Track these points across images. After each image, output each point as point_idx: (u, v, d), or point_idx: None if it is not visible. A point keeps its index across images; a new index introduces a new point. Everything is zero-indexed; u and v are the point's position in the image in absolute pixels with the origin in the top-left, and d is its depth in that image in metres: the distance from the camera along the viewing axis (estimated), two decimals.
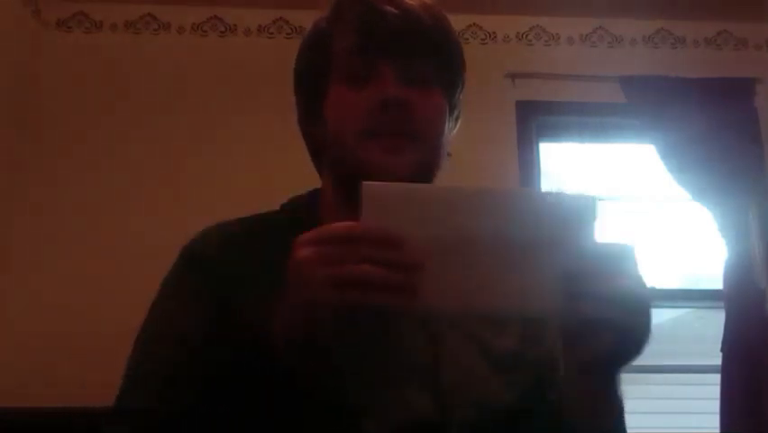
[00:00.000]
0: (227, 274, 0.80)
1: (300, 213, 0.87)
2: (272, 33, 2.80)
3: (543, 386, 0.83)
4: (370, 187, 0.61)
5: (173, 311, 0.80)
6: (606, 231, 0.66)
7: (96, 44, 2.73)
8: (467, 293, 0.62)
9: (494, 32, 2.85)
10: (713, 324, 2.58)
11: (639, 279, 0.64)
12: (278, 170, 2.49)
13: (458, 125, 0.93)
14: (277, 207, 0.92)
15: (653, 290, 0.66)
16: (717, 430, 2.38)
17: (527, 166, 2.69)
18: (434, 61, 0.84)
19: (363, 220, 0.60)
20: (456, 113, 0.91)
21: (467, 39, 2.80)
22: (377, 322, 0.73)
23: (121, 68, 2.70)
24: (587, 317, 0.62)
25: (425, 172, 0.82)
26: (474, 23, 2.84)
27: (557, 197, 0.64)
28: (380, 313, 0.61)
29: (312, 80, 0.87)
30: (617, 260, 0.64)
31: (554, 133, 2.84)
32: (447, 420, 0.74)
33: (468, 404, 0.75)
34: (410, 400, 0.74)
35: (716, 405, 2.41)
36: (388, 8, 0.81)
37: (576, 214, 0.63)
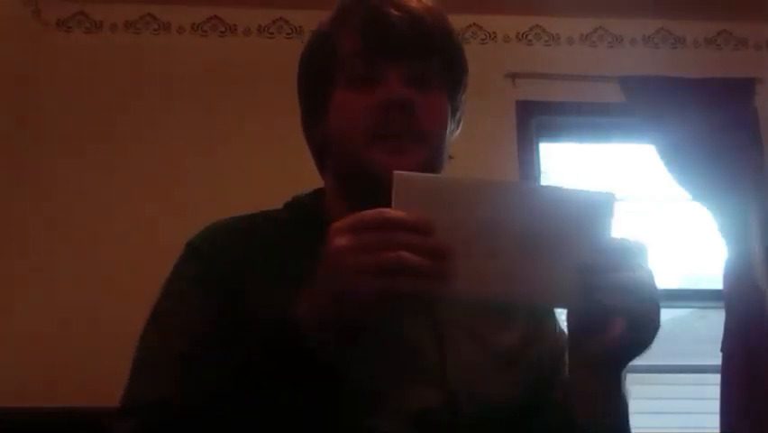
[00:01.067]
0: (233, 265, 0.80)
1: (304, 211, 0.88)
2: (272, 33, 2.80)
3: (546, 384, 0.83)
4: (400, 176, 0.62)
5: (182, 302, 0.80)
6: (621, 227, 0.68)
7: (96, 44, 2.73)
8: (491, 282, 0.64)
9: (494, 32, 2.85)
10: (713, 324, 2.58)
11: (651, 274, 0.67)
12: (278, 170, 2.49)
13: (460, 127, 0.94)
14: (278, 206, 0.92)
15: (660, 289, 0.67)
16: (717, 430, 2.38)
17: (527, 166, 2.69)
18: (438, 63, 0.84)
19: (394, 208, 0.61)
20: (458, 114, 0.92)
21: (467, 39, 2.80)
22: (390, 323, 0.74)
23: (121, 68, 2.70)
24: (601, 307, 0.64)
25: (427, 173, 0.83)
26: (474, 23, 2.84)
27: (578, 192, 0.67)
28: (399, 309, 0.62)
29: (316, 82, 0.88)
30: (631, 254, 0.66)
31: (554, 133, 2.85)
32: (456, 418, 0.74)
33: (475, 402, 0.75)
34: (420, 399, 0.74)
35: (716, 405, 2.41)
36: (392, 11, 0.82)
37: (595, 209, 0.66)
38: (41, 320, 2.35)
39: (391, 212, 0.61)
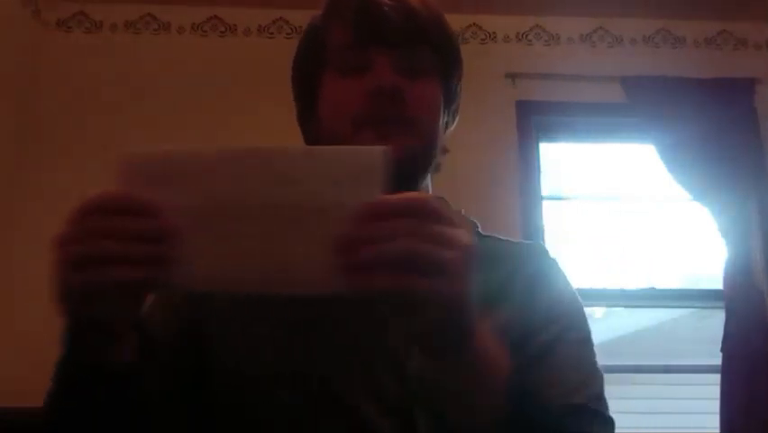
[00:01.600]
0: None
1: None
2: (272, 33, 2.80)
3: None
4: (123, 157, 0.56)
5: (151, 305, 0.80)
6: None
7: (96, 44, 2.74)
8: (229, 268, 0.55)
9: (494, 32, 2.85)
10: (713, 324, 2.58)
11: (438, 232, 0.52)
12: None
13: (456, 120, 0.93)
14: None
15: (471, 241, 0.54)
16: (717, 430, 2.38)
17: (527, 166, 2.69)
18: (428, 51, 0.84)
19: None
20: (454, 106, 0.91)
21: (467, 39, 2.81)
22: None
23: (121, 68, 2.70)
24: (379, 291, 0.51)
25: (418, 160, 0.82)
26: (474, 23, 2.84)
27: (338, 152, 0.57)
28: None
29: (307, 74, 0.88)
30: (404, 216, 0.52)
31: (554, 133, 2.85)
32: (412, 404, 0.72)
33: (432, 388, 0.72)
34: (380, 387, 0.74)
35: (716, 405, 2.41)
36: (383, 0, 0.82)
37: (360, 170, 0.54)
38: (41, 320, 2.34)
39: (96, 196, 0.55)
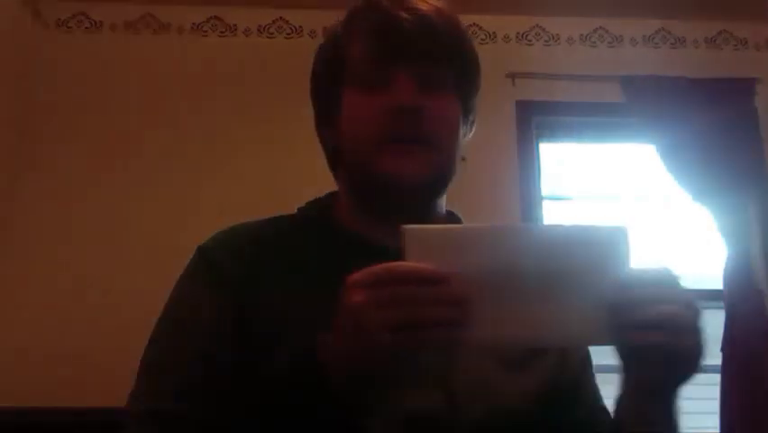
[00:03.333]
0: (244, 271, 0.80)
1: (316, 217, 0.88)
2: (272, 33, 2.80)
3: (563, 396, 0.82)
4: (410, 230, 0.63)
5: (195, 307, 0.79)
6: (640, 259, 0.68)
7: (96, 44, 2.73)
8: (510, 326, 0.64)
9: (494, 32, 2.85)
10: (713, 324, 2.58)
11: (683, 298, 0.66)
12: (278, 170, 2.50)
13: (473, 129, 0.93)
14: (281, 205, 0.92)
15: (698, 304, 0.67)
16: (717, 430, 2.38)
17: (527, 166, 2.69)
18: (449, 67, 0.84)
19: (407, 261, 0.62)
20: (471, 117, 0.91)
21: None
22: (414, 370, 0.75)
23: (121, 68, 2.70)
24: (636, 346, 0.64)
25: (439, 178, 0.83)
26: (474, 23, 2.84)
27: (590, 229, 0.68)
28: None
29: (327, 86, 0.87)
30: (659, 285, 0.66)
31: (554, 133, 2.85)
32: (457, 420, 0.73)
33: (479, 405, 0.75)
34: (422, 399, 0.74)
35: (716, 405, 2.41)
36: (403, 14, 0.81)
37: (610, 244, 0.66)
38: (41, 320, 2.35)
39: (404, 265, 0.61)
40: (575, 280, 0.65)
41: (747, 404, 2.37)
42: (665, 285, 0.66)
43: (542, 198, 2.72)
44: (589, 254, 0.65)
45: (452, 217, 0.91)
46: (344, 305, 0.62)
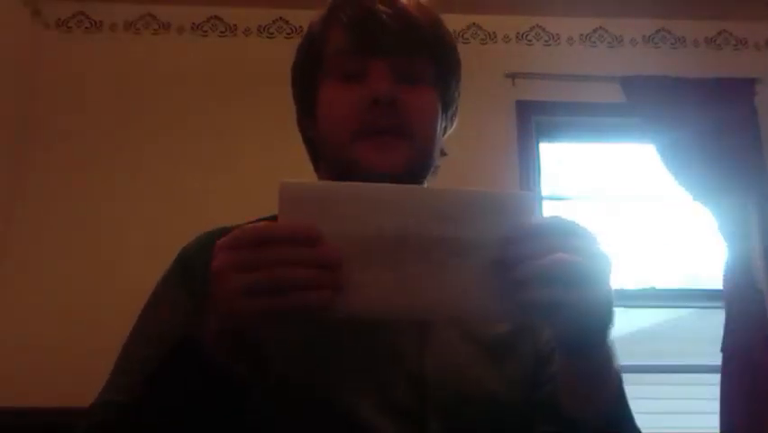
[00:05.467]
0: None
1: None
2: (272, 33, 2.80)
3: (534, 376, 0.81)
4: (286, 186, 0.58)
5: (158, 309, 0.81)
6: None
7: (96, 44, 2.74)
8: (394, 296, 0.58)
9: (494, 32, 2.85)
10: (713, 324, 2.58)
11: (581, 246, 0.58)
12: (278, 170, 2.48)
13: (455, 124, 0.93)
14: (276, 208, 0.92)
15: (602, 251, 0.60)
16: (717, 430, 2.38)
17: (527, 166, 2.69)
18: (426, 59, 0.83)
19: (279, 221, 0.58)
20: (451, 111, 0.91)
21: (467, 39, 2.81)
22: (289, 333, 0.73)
23: (121, 68, 2.70)
24: (528, 308, 0.57)
25: (416, 170, 0.83)
26: (474, 23, 2.84)
27: (493, 195, 0.61)
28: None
29: (305, 79, 0.88)
30: (549, 236, 0.58)
31: (554, 133, 2.85)
32: (427, 411, 0.73)
33: (450, 393, 0.74)
34: (392, 386, 0.73)
35: (716, 405, 2.41)
36: (380, 7, 0.82)
37: (513, 210, 0.59)
38: (41, 321, 2.35)
39: (270, 225, 0.57)
40: (467, 248, 0.58)
41: (747, 404, 2.37)
42: (557, 235, 0.58)
43: (542, 198, 2.72)
44: (486, 222, 0.59)
45: None
46: (210, 269, 0.59)
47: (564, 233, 0.59)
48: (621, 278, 2.74)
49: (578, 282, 0.56)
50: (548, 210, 2.74)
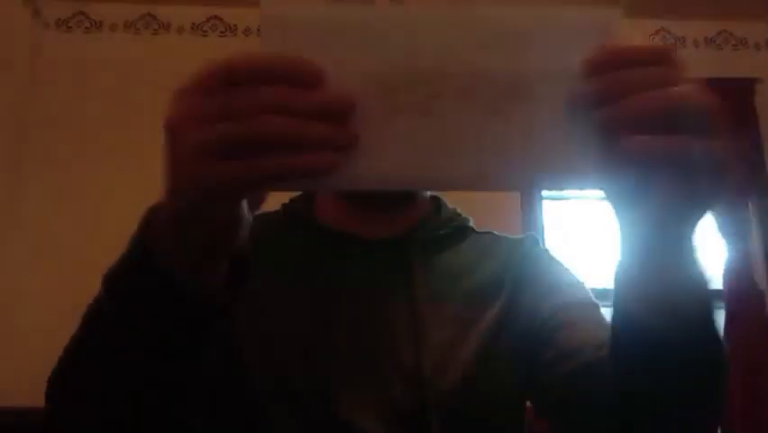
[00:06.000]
0: None
1: (298, 213, 0.86)
2: None
3: (530, 370, 0.77)
4: (268, 6, 0.42)
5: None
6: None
7: (96, 44, 2.74)
8: (428, 154, 0.42)
9: None
10: None
11: (696, 91, 0.43)
12: None
13: None
14: (277, 204, 0.92)
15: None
16: (717, 430, 2.38)
17: None
18: None
19: (262, 50, 0.41)
20: None
21: None
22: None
23: (121, 68, 2.70)
24: (625, 165, 0.41)
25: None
26: None
27: (563, 16, 0.43)
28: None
29: None
30: (649, 62, 0.41)
31: None
32: (427, 413, 0.71)
33: (448, 392, 0.72)
34: (389, 387, 0.72)
35: None
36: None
37: (593, 33, 0.43)
38: (41, 321, 2.35)
39: (249, 56, 0.40)
40: (528, 86, 0.42)
41: (747, 403, 2.37)
42: (657, 63, 0.42)
43: (542, 198, 2.72)
44: (555, 49, 0.42)
45: (436, 203, 0.88)
46: (165, 122, 0.43)
47: (666, 61, 0.42)
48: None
49: (691, 128, 0.41)
50: (547, 210, 2.74)
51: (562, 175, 0.43)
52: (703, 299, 0.50)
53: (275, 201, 0.98)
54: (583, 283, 0.81)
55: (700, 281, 0.49)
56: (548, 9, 0.43)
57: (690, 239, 0.47)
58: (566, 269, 0.83)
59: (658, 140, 0.40)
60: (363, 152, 0.41)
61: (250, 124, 0.38)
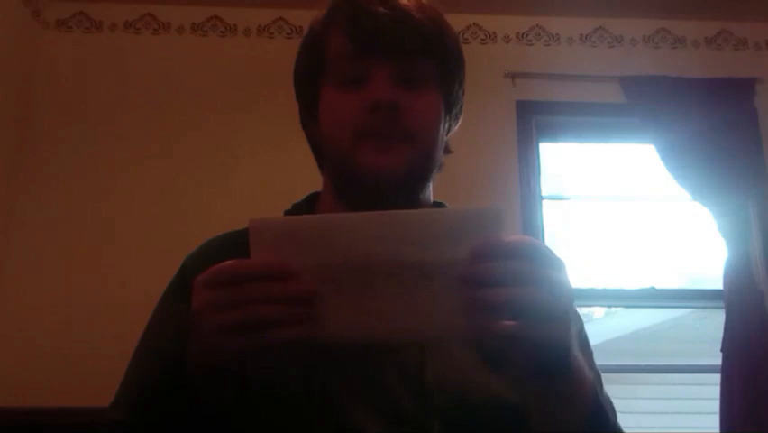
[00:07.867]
0: None
1: (299, 214, 0.87)
2: (272, 33, 2.80)
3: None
4: (254, 223, 0.60)
5: (159, 327, 0.81)
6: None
7: (96, 44, 2.73)
8: (366, 321, 0.60)
9: (494, 32, 2.85)
10: (713, 324, 2.58)
11: (546, 277, 0.58)
12: (278, 171, 2.49)
13: (459, 122, 0.92)
14: (278, 211, 0.92)
15: (566, 284, 0.60)
16: (717, 430, 2.38)
17: (527, 166, 2.69)
18: (428, 60, 0.82)
19: (252, 257, 0.60)
20: (455, 110, 0.90)
21: (467, 39, 2.81)
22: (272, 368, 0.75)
23: (121, 68, 2.70)
24: (493, 335, 0.58)
25: (417, 171, 0.82)
26: (474, 23, 2.84)
27: (458, 212, 0.60)
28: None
29: (307, 83, 0.87)
30: (517, 258, 0.58)
31: (554, 133, 2.84)
32: (429, 417, 0.72)
33: (452, 400, 0.73)
34: (395, 396, 0.73)
35: (716, 405, 2.41)
36: (380, 9, 0.80)
37: (480, 226, 0.59)
38: (41, 321, 2.35)
39: (245, 263, 0.59)
40: (434, 270, 0.58)
41: (747, 404, 2.37)
42: (523, 258, 0.58)
43: (542, 198, 2.72)
44: (453, 241, 0.58)
45: (437, 205, 0.90)
46: (191, 306, 0.61)
47: (531, 257, 0.58)
48: (621, 278, 2.74)
49: (539, 317, 0.57)
50: (547, 210, 2.74)
51: (452, 335, 0.65)
52: (587, 400, 0.68)
53: (277, 208, 0.98)
54: (579, 315, 0.86)
55: (581, 389, 0.66)
56: (448, 209, 0.64)
57: (557, 376, 0.63)
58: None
59: (508, 325, 0.56)
60: (323, 321, 0.59)
61: (247, 311, 0.58)
